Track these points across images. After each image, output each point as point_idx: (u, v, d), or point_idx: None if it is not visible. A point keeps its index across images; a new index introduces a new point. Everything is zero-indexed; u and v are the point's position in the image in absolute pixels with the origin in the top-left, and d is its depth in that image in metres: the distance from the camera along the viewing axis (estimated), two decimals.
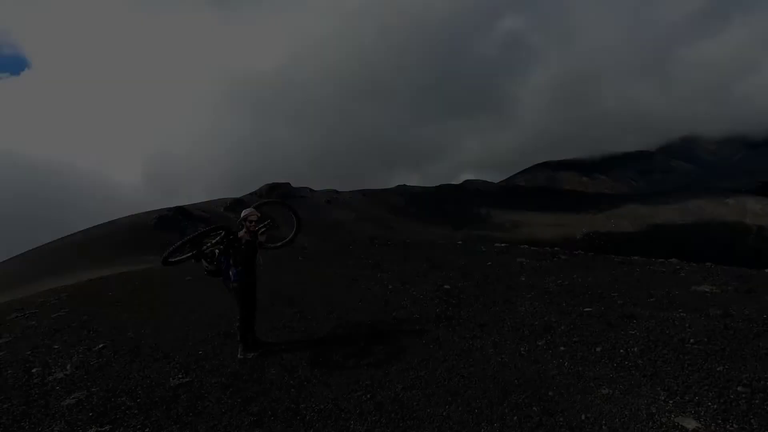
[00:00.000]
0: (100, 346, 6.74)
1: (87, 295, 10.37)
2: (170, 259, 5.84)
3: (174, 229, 45.58)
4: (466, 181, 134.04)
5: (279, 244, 6.95)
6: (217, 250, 5.77)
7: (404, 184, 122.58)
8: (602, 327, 5.78)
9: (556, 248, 12.56)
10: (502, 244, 14.50)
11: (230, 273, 5.75)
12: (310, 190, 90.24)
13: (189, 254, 5.88)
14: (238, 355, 5.77)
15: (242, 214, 6.01)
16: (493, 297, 7.33)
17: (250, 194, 77.46)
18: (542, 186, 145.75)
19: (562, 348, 5.26)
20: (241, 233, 5.87)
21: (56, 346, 6.94)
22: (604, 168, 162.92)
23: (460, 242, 18.44)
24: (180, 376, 5.31)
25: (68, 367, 6.07)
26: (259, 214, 6.01)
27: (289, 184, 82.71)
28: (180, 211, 48.91)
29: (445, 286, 8.16)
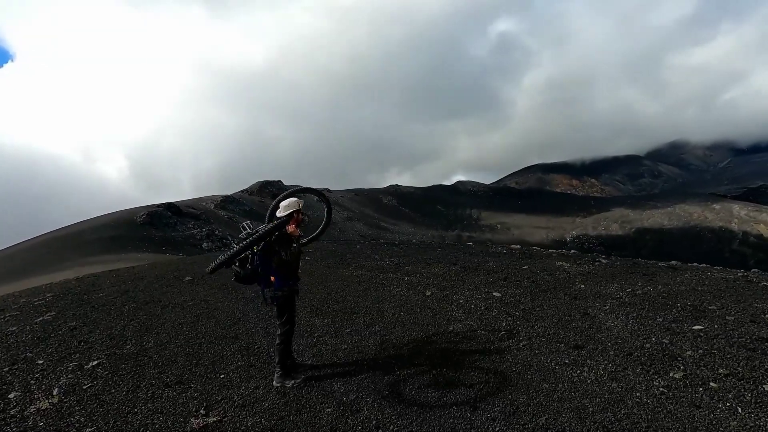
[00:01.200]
0: (94, 363, 5.54)
1: (75, 296, 9.10)
2: (217, 270, 4.74)
3: (163, 225, 43.84)
4: (458, 182, 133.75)
5: (305, 240, 5.78)
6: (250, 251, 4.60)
7: (396, 184, 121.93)
8: (742, 353, 4.70)
9: (593, 252, 11.60)
10: (517, 246, 13.52)
11: (271, 278, 4.61)
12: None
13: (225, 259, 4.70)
14: (275, 383, 4.65)
15: (285, 203, 4.90)
16: (563, 309, 6.29)
17: (241, 191, 75.67)
18: (533, 188, 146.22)
19: (713, 384, 4.14)
20: (290, 228, 4.72)
21: (40, 362, 5.73)
22: (594, 171, 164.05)
23: (470, 243, 17.38)
24: (202, 412, 4.16)
25: (55, 392, 4.88)
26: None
27: (281, 182, 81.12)
28: (170, 207, 47.17)
29: (494, 294, 7.11)
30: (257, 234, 4.60)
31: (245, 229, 4.81)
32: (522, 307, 6.46)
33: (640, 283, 7.40)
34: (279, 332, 4.77)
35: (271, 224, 4.77)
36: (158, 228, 41.65)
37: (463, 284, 7.87)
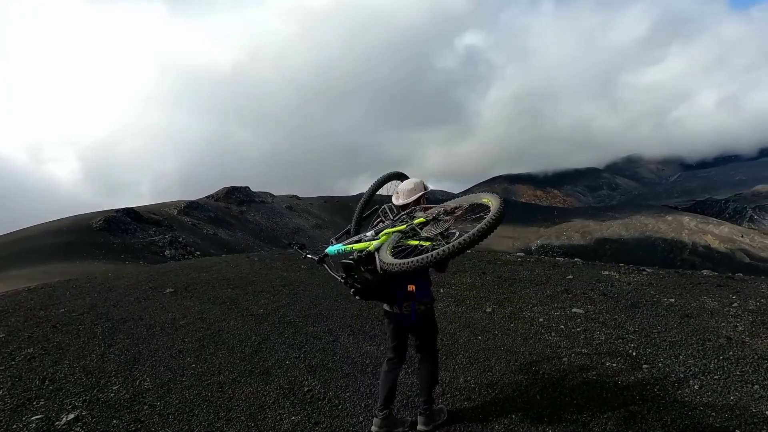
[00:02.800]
0: (70, 416, 3.98)
1: (29, 312, 7.31)
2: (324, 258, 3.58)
3: (122, 231, 40.92)
4: (429, 191, 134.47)
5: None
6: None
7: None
8: None
9: (624, 264, 10.78)
10: (521, 254, 12.61)
11: (409, 287, 3.36)
12: (271, 195, 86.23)
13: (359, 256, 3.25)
14: (420, 427, 3.54)
15: (408, 185, 3.65)
16: (687, 330, 5.28)
17: (206, 197, 72.47)
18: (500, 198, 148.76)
19: None
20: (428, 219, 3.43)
21: None
22: (557, 182, 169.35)
23: (469, 251, 16.29)
24: None
25: None
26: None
27: (248, 188, 78.33)
28: (129, 212, 44.21)
29: (574, 310, 5.99)
30: (409, 224, 3.24)
31: (388, 214, 3.50)
32: (629, 328, 5.39)
33: (732, 296, 6.49)
34: (427, 358, 3.62)
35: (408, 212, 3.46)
36: (116, 234, 38.63)
37: (521, 298, 6.72)
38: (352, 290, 3.26)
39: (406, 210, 3.50)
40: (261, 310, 6.76)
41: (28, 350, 5.52)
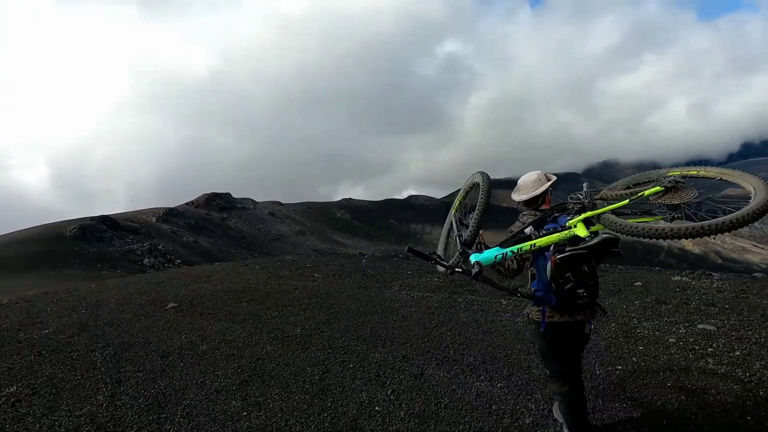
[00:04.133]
0: None
1: (5, 333, 6.22)
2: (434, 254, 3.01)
3: (98, 240, 39.16)
4: (411, 196, 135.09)
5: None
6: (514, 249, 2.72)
7: (349, 198, 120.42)
8: None
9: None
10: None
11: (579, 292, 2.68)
12: (253, 201, 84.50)
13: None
14: None
15: (532, 177, 3.18)
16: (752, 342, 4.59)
17: (186, 204, 70.56)
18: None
19: None
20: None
21: None
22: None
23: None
24: None
25: None
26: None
27: (229, 194, 76.69)
28: (105, 220, 42.47)
29: (702, 326, 5.19)
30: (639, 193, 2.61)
31: (579, 199, 2.84)
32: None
33: None
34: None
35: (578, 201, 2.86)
36: (92, 243, 36.90)
37: (613, 312, 5.91)
38: (581, 291, 2.61)
39: (534, 205, 3.09)
40: (297, 329, 5.80)
41: (11, 389, 4.43)
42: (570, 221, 2.76)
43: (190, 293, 7.83)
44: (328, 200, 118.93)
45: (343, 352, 5.01)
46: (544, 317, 2.87)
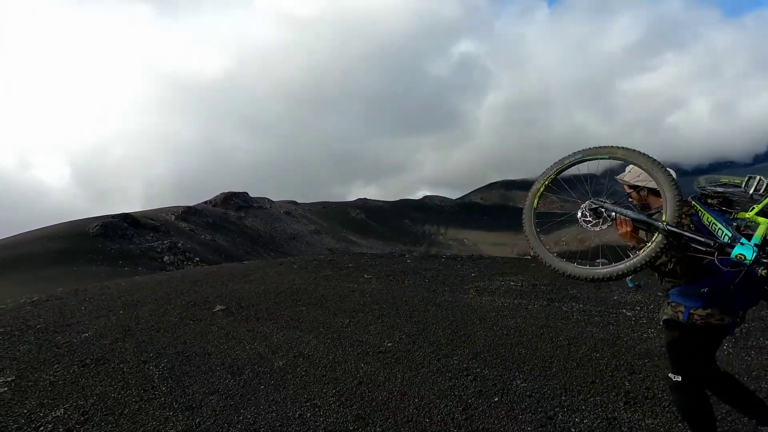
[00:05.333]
0: None
1: (38, 335, 5.67)
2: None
3: (119, 237, 39.41)
4: (426, 197, 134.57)
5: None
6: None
7: (365, 198, 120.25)
8: None
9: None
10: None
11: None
12: (269, 200, 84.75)
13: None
14: None
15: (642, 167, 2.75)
16: None
17: (204, 202, 71.04)
18: (498, 204, 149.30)
19: None
20: None
21: None
22: (554, 189, 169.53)
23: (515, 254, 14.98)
24: None
25: None
26: None
27: (246, 193, 77.02)
28: (126, 218, 42.77)
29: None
30: None
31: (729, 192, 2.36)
32: None
33: None
34: None
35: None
36: (113, 240, 37.07)
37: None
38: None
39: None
40: (387, 343, 4.87)
41: (57, 412, 3.60)
42: (749, 213, 2.30)
43: (234, 294, 7.31)
44: (343, 200, 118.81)
45: (468, 376, 3.98)
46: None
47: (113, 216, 40.47)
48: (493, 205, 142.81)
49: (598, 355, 4.31)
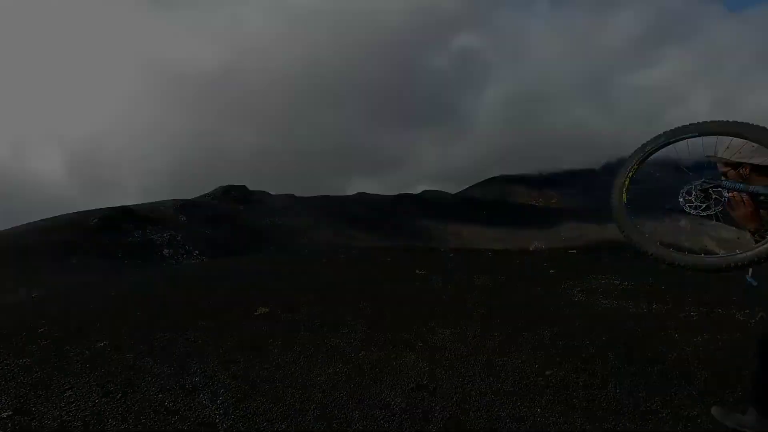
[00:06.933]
0: None
1: (50, 344, 4.64)
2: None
3: (118, 230, 39.38)
4: (425, 191, 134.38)
5: None
6: None
7: (364, 192, 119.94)
8: None
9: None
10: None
11: None
12: (268, 194, 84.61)
13: None
14: None
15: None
16: None
17: (203, 195, 70.78)
18: (498, 199, 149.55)
19: None
20: None
21: None
22: (553, 184, 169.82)
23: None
24: None
25: None
26: None
27: (245, 187, 76.72)
28: (125, 210, 42.70)
29: None
30: None
31: None
32: None
33: None
34: None
35: None
36: (112, 233, 37.03)
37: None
38: None
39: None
40: (531, 367, 3.72)
41: None
42: None
43: (271, 293, 6.72)
44: (342, 194, 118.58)
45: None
46: None
47: (111, 209, 40.45)
48: (493, 201, 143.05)
49: None
